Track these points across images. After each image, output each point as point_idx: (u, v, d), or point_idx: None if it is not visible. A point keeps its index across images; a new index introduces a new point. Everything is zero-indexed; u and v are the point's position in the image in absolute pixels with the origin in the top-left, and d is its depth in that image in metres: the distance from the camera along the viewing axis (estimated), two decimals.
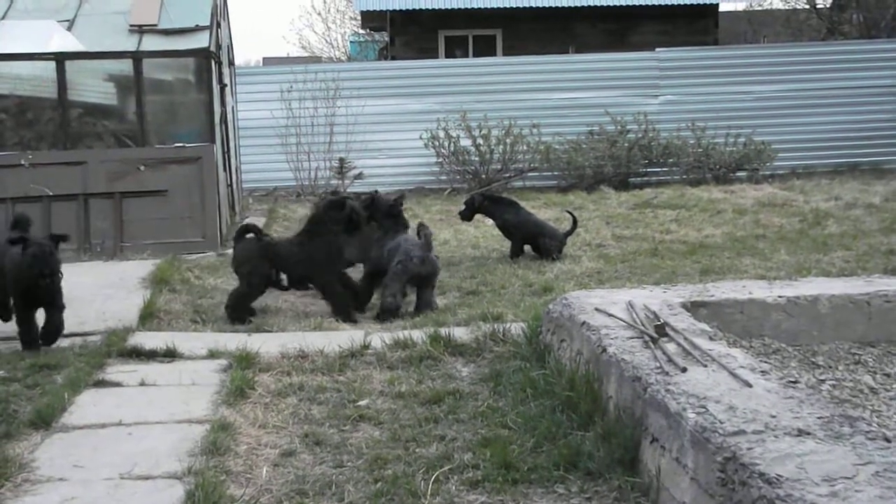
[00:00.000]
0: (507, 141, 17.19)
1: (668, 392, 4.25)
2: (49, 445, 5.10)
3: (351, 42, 40.42)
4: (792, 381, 4.35)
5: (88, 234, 11.36)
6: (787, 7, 32.46)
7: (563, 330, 6.00)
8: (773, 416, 3.83)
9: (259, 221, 13.65)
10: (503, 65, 19.37)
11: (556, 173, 17.39)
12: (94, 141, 12.19)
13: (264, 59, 38.06)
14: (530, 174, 17.47)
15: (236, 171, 14.77)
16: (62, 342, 7.13)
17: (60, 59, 11.83)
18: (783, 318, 5.97)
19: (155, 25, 12.29)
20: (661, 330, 5.13)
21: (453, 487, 4.51)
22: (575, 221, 10.92)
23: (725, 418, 3.83)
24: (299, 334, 7.35)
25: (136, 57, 11.99)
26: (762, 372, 4.48)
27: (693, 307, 5.91)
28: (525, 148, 17.33)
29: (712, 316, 5.92)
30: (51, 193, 11.32)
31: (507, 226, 10.78)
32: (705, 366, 4.58)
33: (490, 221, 11.48)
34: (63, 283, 7.09)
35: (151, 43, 12.12)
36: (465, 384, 6.08)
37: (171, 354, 6.81)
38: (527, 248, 10.71)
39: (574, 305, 6.04)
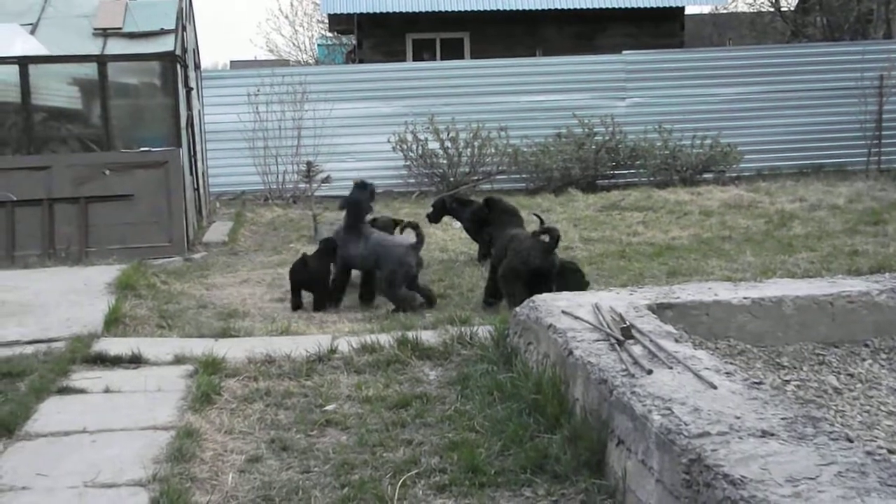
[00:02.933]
0: (476, 144, 17.21)
1: (633, 394, 4.27)
2: (12, 454, 5.04)
3: (318, 45, 40.30)
4: (756, 383, 4.37)
5: (53, 239, 11.25)
6: (751, 10, 32.75)
7: (529, 333, 6.01)
8: (738, 418, 3.85)
9: (226, 226, 13.59)
10: (471, 68, 19.37)
11: (524, 176, 17.42)
12: (58, 145, 12.09)
13: (231, 62, 37.91)
14: (498, 177, 17.48)
15: (203, 175, 14.68)
16: (26, 349, 7.05)
17: (24, 62, 11.72)
18: (748, 319, 6.01)
19: (120, 29, 12.20)
20: (627, 332, 5.15)
21: (420, 492, 4.51)
22: (542, 224, 10.91)
23: (690, 420, 3.85)
24: (266, 339, 7.31)
25: (101, 60, 11.90)
26: (727, 373, 4.50)
27: (659, 309, 5.94)
28: (493, 151, 17.35)
29: (678, 318, 5.95)
30: (15, 198, 11.21)
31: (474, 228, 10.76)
32: (671, 368, 4.60)
33: (458, 224, 11.47)
34: (27, 289, 7.02)
35: (116, 46, 12.04)
36: (432, 388, 6.07)
37: (136, 360, 6.74)
38: None
39: (541, 308, 6.05)
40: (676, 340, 5.14)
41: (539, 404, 5.21)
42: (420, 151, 17.35)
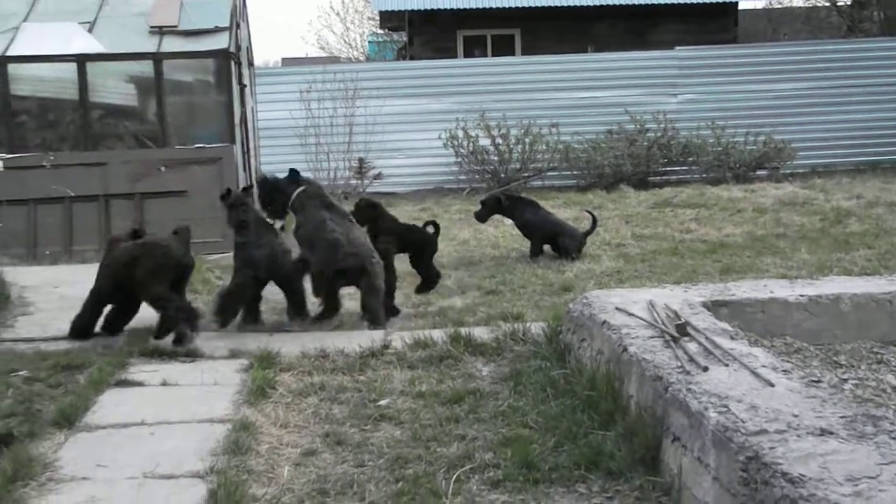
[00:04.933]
0: (526, 140, 17.19)
1: (689, 391, 4.24)
2: (72, 445, 5.13)
3: (369, 42, 40.47)
4: (814, 381, 4.34)
5: (110, 234, 11.40)
6: (807, 4, 32.31)
7: (583, 329, 5.99)
8: (796, 416, 3.81)
9: (278, 222, 13.67)
10: (522, 64, 19.36)
11: (575, 173, 17.37)
12: (114, 142, 12.27)
13: (283, 59, 38.09)
14: (549, 174, 17.44)
15: (256, 171, 14.80)
16: (85, 342, 7.17)
17: (81, 60, 11.91)
18: (805, 317, 5.95)
19: (175, 27, 12.35)
20: (683, 329, 5.12)
21: (474, 487, 4.52)
22: (594, 221, 10.91)
23: (747, 417, 3.82)
24: (319, 334, 7.37)
25: (157, 58, 12.05)
26: (784, 371, 4.47)
27: (714, 306, 5.90)
28: (544, 147, 17.32)
29: (733, 315, 5.90)
30: (72, 194, 11.39)
31: (526, 225, 10.77)
32: (727, 365, 4.57)
33: (509, 221, 11.47)
34: (85, 284, 7.12)
35: (171, 44, 12.18)
36: (485, 384, 6.08)
37: (192, 354, 6.84)
38: (546, 247, 10.70)
39: (594, 305, 6.04)
40: (732, 338, 5.10)
41: (593, 401, 5.20)
42: (471, 148, 17.36)
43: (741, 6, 25.83)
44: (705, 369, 4.50)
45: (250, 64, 15.11)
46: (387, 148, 17.17)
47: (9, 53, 11.97)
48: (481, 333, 6.96)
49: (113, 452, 5.00)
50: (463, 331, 6.93)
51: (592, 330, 5.79)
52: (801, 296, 6.03)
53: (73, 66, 11.93)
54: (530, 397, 5.64)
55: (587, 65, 18.90)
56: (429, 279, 8.83)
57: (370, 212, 8.63)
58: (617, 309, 5.83)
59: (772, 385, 4.22)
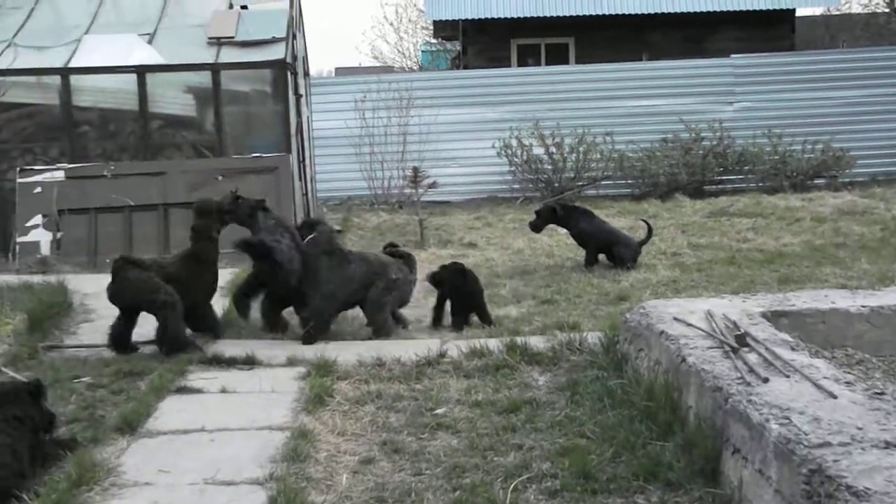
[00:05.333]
0: (581, 149, 17.15)
1: (750, 402, 4.21)
2: (134, 450, 5.21)
3: (423, 51, 40.58)
4: (878, 393, 4.28)
5: (168, 243, 11.55)
6: (866, 11, 31.87)
7: (640, 339, 5.97)
8: (860, 428, 3.77)
9: None
10: (576, 73, 19.32)
11: (629, 181, 17.28)
12: (173, 152, 12.46)
13: (337, 69, 38.34)
14: (604, 182, 17.38)
15: (311, 180, 14.93)
16: (146, 349, 7.27)
17: (141, 71, 12.11)
18: (867, 328, 5.87)
19: (232, 38, 12.51)
20: (742, 340, 5.08)
21: (532, 496, 4.52)
22: (650, 230, 10.85)
23: (810, 430, 3.78)
24: (376, 343, 7.41)
25: (215, 69, 12.22)
26: (847, 383, 4.41)
27: (773, 317, 5.85)
28: (598, 156, 17.27)
29: (793, 326, 5.84)
30: (132, 203, 11.55)
31: (581, 234, 10.73)
32: (788, 376, 4.52)
33: (563, 231, 11.43)
34: None
35: (229, 55, 12.34)
36: (541, 393, 6.07)
37: (250, 362, 6.91)
38: (601, 256, 10.65)
39: (652, 315, 6.01)
40: (793, 349, 5.05)
41: (651, 411, 5.17)
42: (525, 157, 17.36)
43: (799, 13, 25.49)
44: (766, 380, 4.46)
45: (306, 74, 15.25)
46: (441, 157, 17.22)
47: (71, 65, 12.20)
48: (537, 343, 6.96)
49: (174, 458, 5.07)
50: (519, 340, 6.93)
51: (650, 340, 5.76)
52: (863, 306, 5.96)
53: (133, 77, 12.13)
54: (587, 407, 5.63)
55: (642, 73, 18.81)
56: None
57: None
58: (675, 319, 5.79)
59: (834, 397, 4.17)
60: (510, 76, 19.49)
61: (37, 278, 9.67)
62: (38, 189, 11.58)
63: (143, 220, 11.62)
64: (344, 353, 6.95)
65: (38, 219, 11.53)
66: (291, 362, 6.88)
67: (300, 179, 13.21)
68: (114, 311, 7.39)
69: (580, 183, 17.23)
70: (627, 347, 6.22)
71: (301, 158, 13.42)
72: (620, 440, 4.99)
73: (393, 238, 13.39)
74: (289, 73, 12.48)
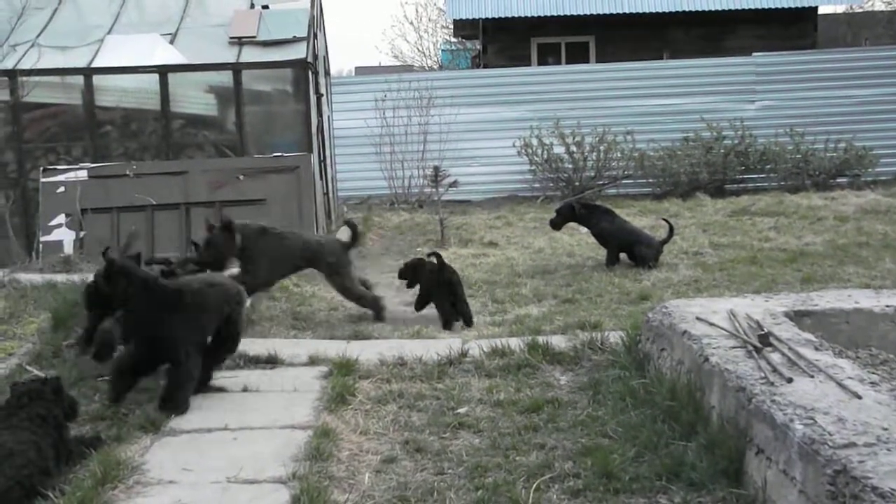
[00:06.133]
0: (601, 148, 17.11)
1: (774, 403, 4.19)
2: (158, 449, 5.24)
3: (443, 51, 40.53)
4: None
5: (190, 241, 11.60)
6: (889, 9, 31.64)
7: (662, 339, 5.95)
8: (885, 429, 3.75)
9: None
10: (596, 72, 19.26)
11: (650, 180, 17.23)
12: (194, 151, 12.51)
13: (357, 68, 38.34)
14: (624, 181, 17.35)
15: (332, 179, 14.96)
16: None
17: (163, 71, 12.16)
18: (891, 328, 5.84)
19: (254, 37, 12.55)
20: (765, 339, 5.06)
21: (554, 496, 4.52)
22: (671, 229, 10.81)
23: (835, 430, 3.76)
24: (397, 342, 7.42)
25: (236, 68, 12.26)
26: (871, 383, 4.39)
27: (797, 316, 5.82)
28: (619, 155, 17.23)
29: (817, 326, 5.81)
30: (154, 202, 11.60)
31: (602, 234, 10.71)
32: (812, 376, 4.50)
33: (584, 230, 11.41)
34: None
35: (250, 54, 12.38)
36: (563, 392, 6.07)
37: (272, 361, 6.93)
38: (623, 256, 10.63)
39: (674, 314, 5.99)
40: (816, 349, 5.02)
41: (673, 411, 5.16)
42: (545, 156, 17.33)
43: (821, 11, 25.34)
44: (790, 380, 4.44)
45: (327, 73, 15.28)
46: (461, 156, 17.22)
47: (94, 65, 12.27)
48: (559, 342, 6.96)
49: (197, 457, 5.09)
50: (540, 339, 6.93)
51: (672, 339, 5.74)
52: (887, 306, 5.92)
53: (155, 76, 12.19)
54: (609, 407, 5.62)
55: (662, 72, 18.74)
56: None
57: None
58: (697, 318, 5.77)
59: (859, 397, 4.15)
60: (530, 75, 19.46)
61: (60, 277, 9.71)
62: (62, 188, 11.64)
63: (165, 218, 11.65)
64: (366, 352, 6.97)
65: (61, 218, 11.59)
66: (313, 361, 6.90)
67: (321, 179, 13.24)
68: None
69: (601, 182, 17.20)
70: (649, 347, 6.20)
71: (322, 158, 13.45)
72: (643, 440, 4.99)
73: (413, 237, 13.45)
74: (310, 73, 12.51)
